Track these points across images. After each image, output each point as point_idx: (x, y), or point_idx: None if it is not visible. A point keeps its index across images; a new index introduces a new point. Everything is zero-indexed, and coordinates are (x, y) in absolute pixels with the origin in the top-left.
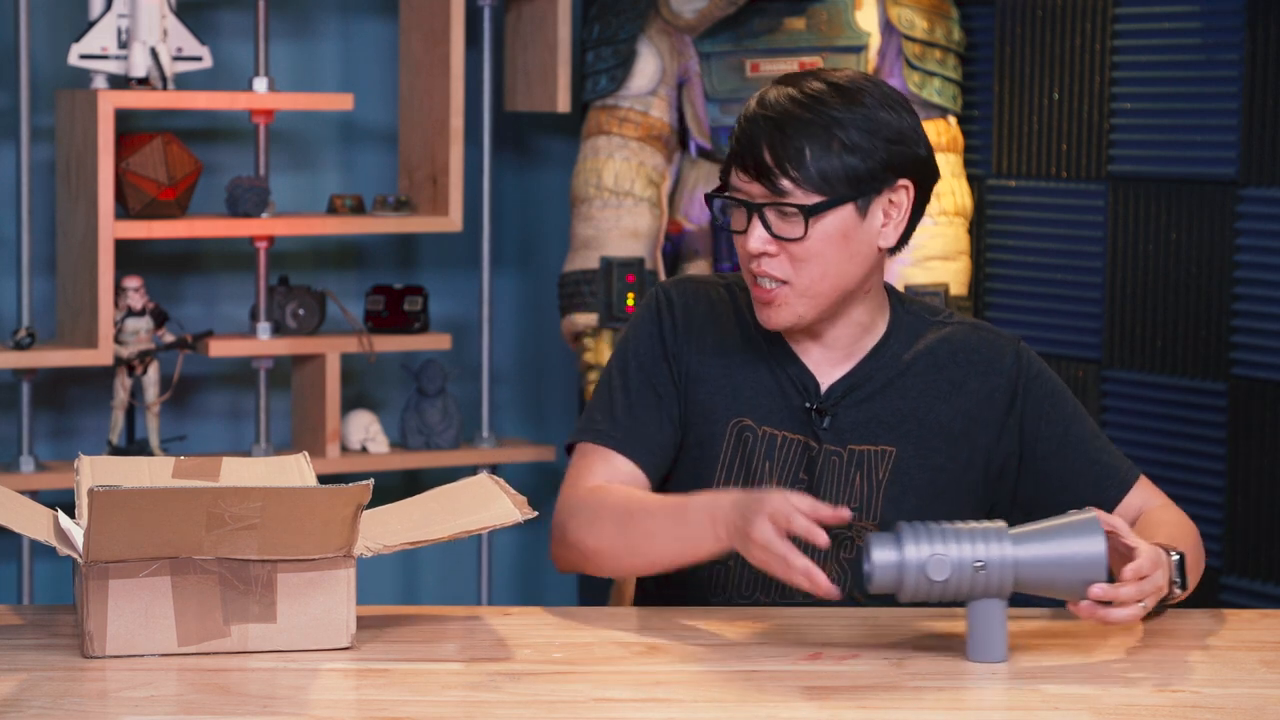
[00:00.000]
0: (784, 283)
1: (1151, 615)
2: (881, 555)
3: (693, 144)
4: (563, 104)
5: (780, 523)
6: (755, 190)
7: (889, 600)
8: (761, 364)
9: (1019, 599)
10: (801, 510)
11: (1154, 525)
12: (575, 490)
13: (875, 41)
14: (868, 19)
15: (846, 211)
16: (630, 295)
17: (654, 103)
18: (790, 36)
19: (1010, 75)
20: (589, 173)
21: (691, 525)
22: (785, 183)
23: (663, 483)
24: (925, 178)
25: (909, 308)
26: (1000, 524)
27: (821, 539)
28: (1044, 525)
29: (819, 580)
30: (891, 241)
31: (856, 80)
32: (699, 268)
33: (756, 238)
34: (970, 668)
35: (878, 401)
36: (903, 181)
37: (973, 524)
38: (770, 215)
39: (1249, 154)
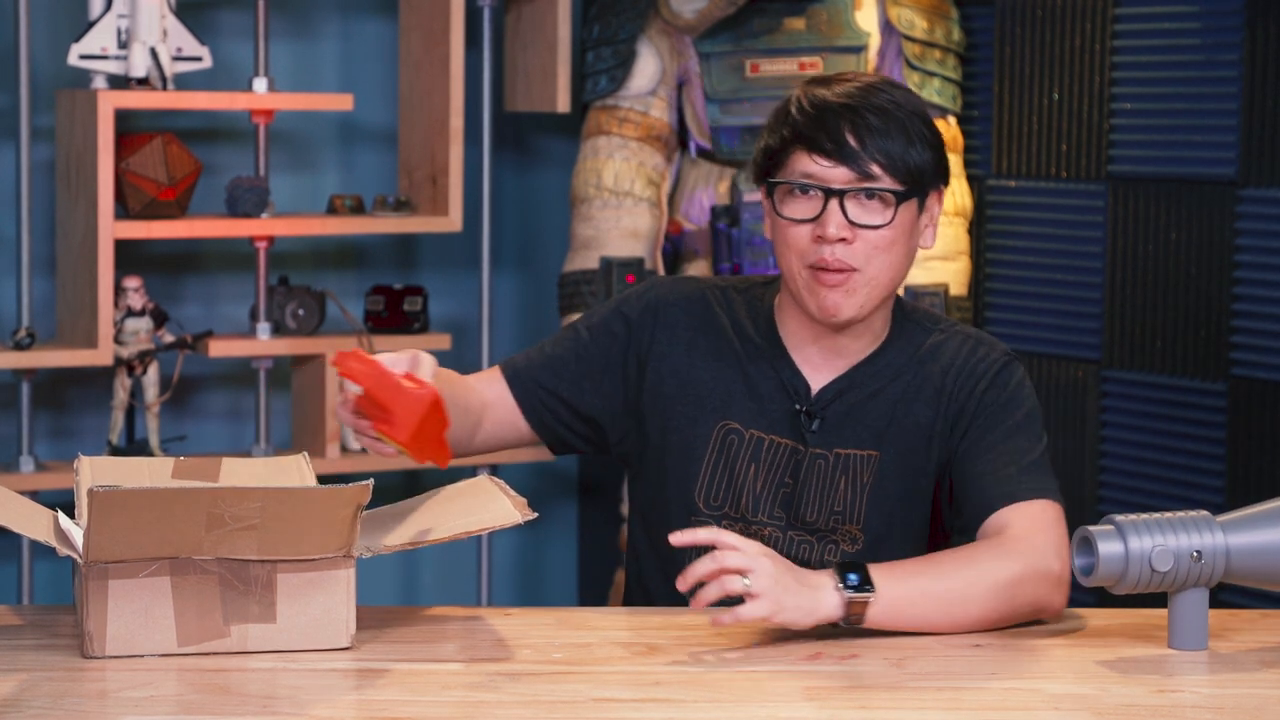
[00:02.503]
0: (854, 270)
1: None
2: (1107, 547)
3: (692, 144)
4: (562, 104)
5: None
6: (839, 175)
7: None
8: (754, 366)
9: None
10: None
11: (959, 548)
12: None
13: (875, 42)
14: (867, 19)
15: (914, 206)
16: None
17: (654, 103)
18: (790, 37)
19: (1010, 75)
20: (589, 173)
21: None
22: (875, 168)
23: (645, 478)
24: (948, 184)
25: (910, 315)
26: (1205, 513)
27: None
28: (1251, 512)
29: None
30: (930, 243)
31: (895, 81)
32: (699, 268)
33: (837, 224)
34: (967, 667)
35: (868, 406)
36: (943, 185)
37: (1180, 514)
38: (849, 202)
39: (1249, 154)
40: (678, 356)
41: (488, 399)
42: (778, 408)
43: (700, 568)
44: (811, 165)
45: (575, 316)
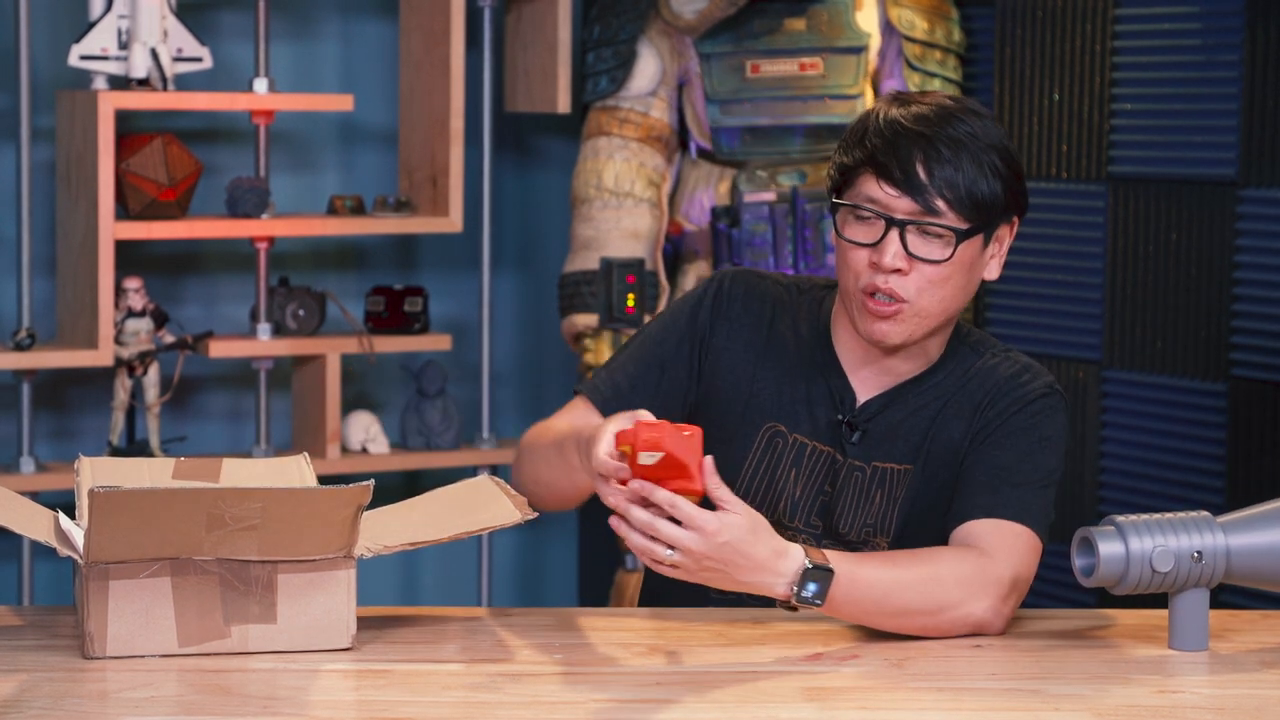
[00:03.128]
0: (904, 301)
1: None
2: (1108, 548)
3: (693, 145)
4: (563, 105)
5: (613, 473)
6: (902, 206)
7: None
8: (805, 371)
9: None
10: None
11: (923, 549)
12: (534, 427)
13: (875, 42)
14: (868, 20)
15: (979, 241)
16: (630, 296)
17: (654, 103)
18: (790, 37)
19: (1010, 76)
20: (589, 173)
21: (568, 455)
22: (940, 202)
23: None
24: (1025, 214)
25: (967, 339)
26: (1205, 514)
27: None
28: (1251, 513)
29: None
30: (995, 275)
31: (978, 105)
32: (699, 269)
33: (894, 254)
34: (967, 667)
35: (909, 422)
36: (1016, 216)
37: (1180, 514)
38: (910, 233)
39: (1249, 154)
40: (735, 353)
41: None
42: (822, 416)
43: (639, 516)
44: (877, 191)
45: (575, 318)
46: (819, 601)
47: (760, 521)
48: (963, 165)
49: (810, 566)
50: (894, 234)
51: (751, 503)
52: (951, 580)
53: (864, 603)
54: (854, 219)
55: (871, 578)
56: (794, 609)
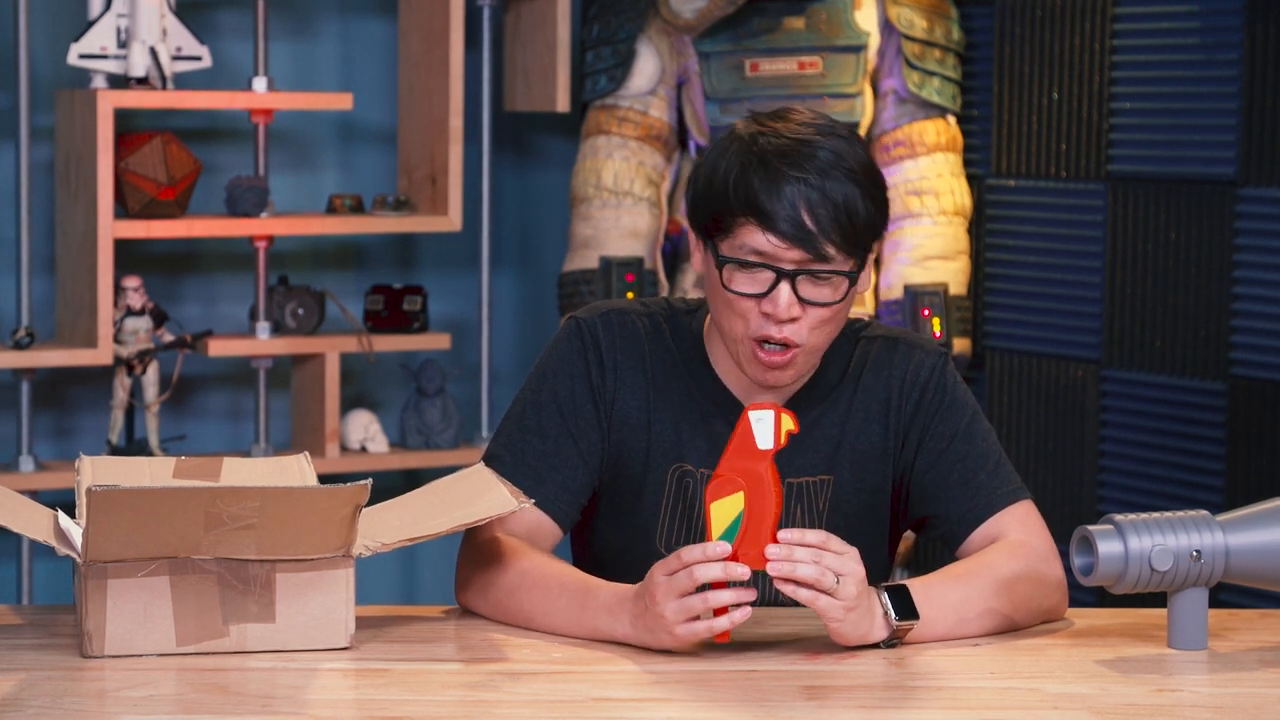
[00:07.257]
0: (797, 346)
1: (880, 646)
2: (1107, 547)
3: (692, 143)
4: (562, 104)
5: (673, 565)
6: (792, 256)
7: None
8: (696, 402)
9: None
10: (682, 556)
11: (971, 556)
12: (473, 539)
13: (874, 41)
14: (867, 18)
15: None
16: (630, 295)
17: (653, 102)
18: (790, 36)
19: (1010, 75)
20: (588, 172)
21: (592, 613)
22: (830, 248)
23: (596, 530)
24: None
25: None
26: (1205, 513)
27: (738, 571)
28: (1251, 512)
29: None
30: (867, 285)
31: (834, 122)
32: None
33: (787, 304)
34: (966, 667)
35: (813, 432)
36: (885, 232)
37: (1179, 513)
38: (801, 281)
39: (1248, 154)
40: (626, 400)
41: (539, 538)
42: (725, 444)
43: (802, 555)
44: (764, 244)
45: None
46: (913, 614)
47: None
48: (850, 208)
49: (884, 587)
50: (784, 284)
51: (676, 546)
52: (1018, 580)
53: (946, 614)
54: (739, 269)
55: (941, 587)
56: (893, 642)
